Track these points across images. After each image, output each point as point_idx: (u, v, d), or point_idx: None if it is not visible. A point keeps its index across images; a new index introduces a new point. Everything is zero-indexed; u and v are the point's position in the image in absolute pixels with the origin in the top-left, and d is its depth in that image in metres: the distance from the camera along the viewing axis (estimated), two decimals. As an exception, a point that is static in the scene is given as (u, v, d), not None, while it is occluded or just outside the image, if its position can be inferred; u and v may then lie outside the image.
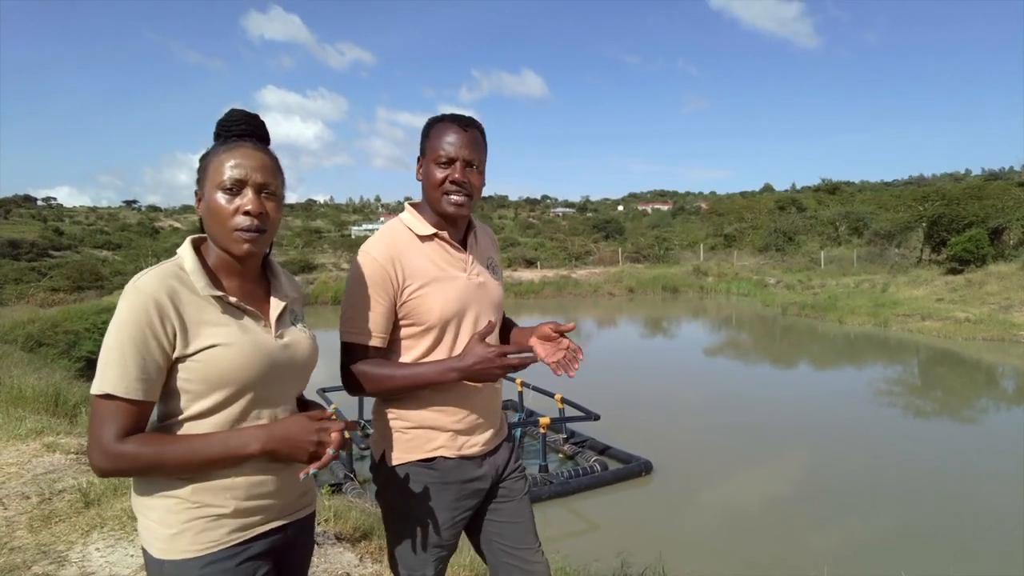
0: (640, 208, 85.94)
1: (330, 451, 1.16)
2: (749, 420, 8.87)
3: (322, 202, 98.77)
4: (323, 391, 7.85)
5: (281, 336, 1.25)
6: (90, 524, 2.85)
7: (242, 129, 1.24)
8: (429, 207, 1.60)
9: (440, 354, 1.56)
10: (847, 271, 24.80)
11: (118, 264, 32.94)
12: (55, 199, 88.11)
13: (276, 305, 1.28)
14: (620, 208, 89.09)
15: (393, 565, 1.62)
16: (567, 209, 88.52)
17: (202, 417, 1.17)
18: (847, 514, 5.95)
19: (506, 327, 1.81)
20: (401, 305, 1.53)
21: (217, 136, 1.25)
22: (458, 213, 1.57)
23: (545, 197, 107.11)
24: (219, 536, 1.16)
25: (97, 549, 2.64)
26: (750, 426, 8.57)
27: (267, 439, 1.16)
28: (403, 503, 1.57)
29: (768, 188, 71.58)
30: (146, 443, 1.10)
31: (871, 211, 30.62)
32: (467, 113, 1.62)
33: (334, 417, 1.21)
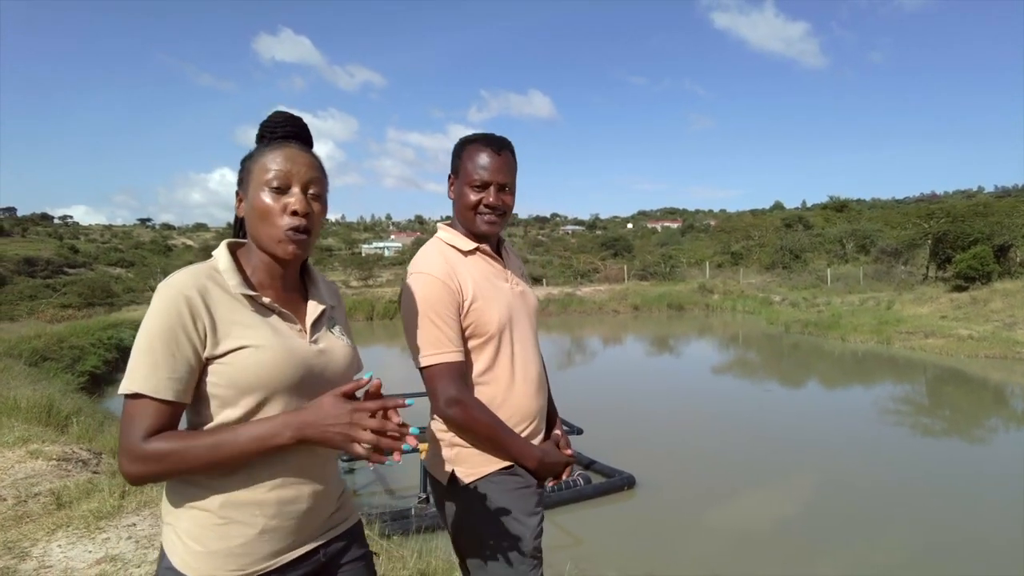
0: (650, 226, 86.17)
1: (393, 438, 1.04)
2: (746, 439, 8.83)
3: (333, 220, 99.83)
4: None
5: (316, 342, 1.20)
6: (57, 524, 3.00)
7: (287, 131, 1.22)
8: (463, 225, 1.65)
9: (504, 362, 1.60)
10: (853, 289, 24.73)
11: (130, 281, 33.47)
12: (71, 217, 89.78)
13: (313, 310, 1.23)
14: (629, 226, 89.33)
15: None
16: (577, 227, 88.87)
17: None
18: (846, 537, 5.81)
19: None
20: (464, 317, 1.56)
21: (260, 138, 1.23)
22: (491, 232, 1.63)
23: (555, 215, 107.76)
24: (246, 563, 1.11)
25: (59, 546, 2.78)
26: (747, 445, 8.55)
27: (300, 425, 1.06)
28: (492, 521, 1.53)
29: (778, 206, 71.61)
30: (172, 438, 1.05)
31: (878, 228, 30.60)
32: (498, 133, 1.68)
33: (367, 385, 1.08)
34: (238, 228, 1.28)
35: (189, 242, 63.21)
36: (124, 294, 27.71)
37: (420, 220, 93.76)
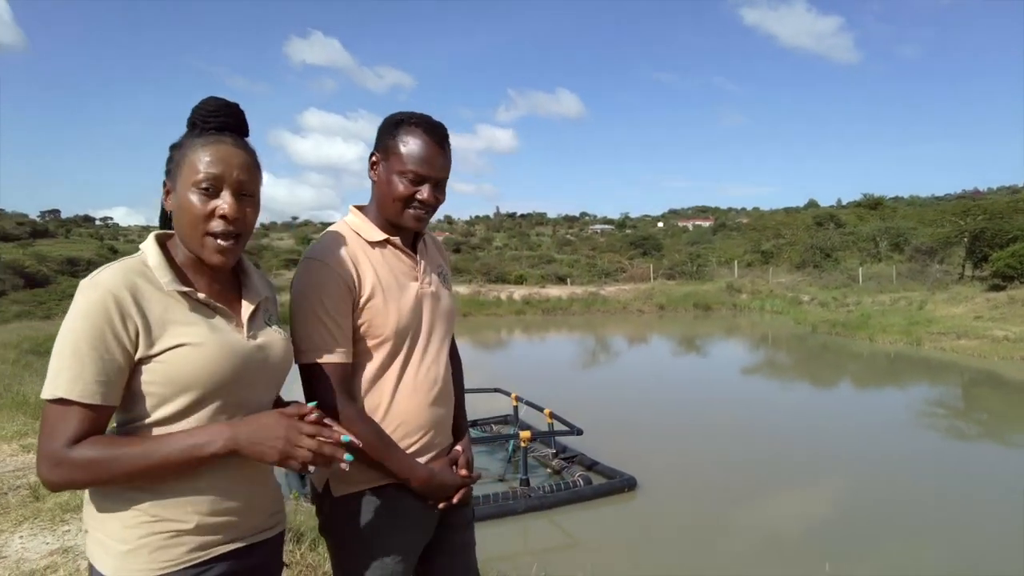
0: (681, 224, 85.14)
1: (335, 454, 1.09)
2: (765, 442, 8.59)
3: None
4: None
5: (254, 336, 1.16)
6: (25, 516, 3.09)
7: (220, 121, 1.13)
8: (381, 214, 1.48)
9: (396, 367, 1.45)
10: (885, 288, 24.08)
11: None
12: (112, 219, 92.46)
13: (248, 303, 1.19)
14: (660, 225, 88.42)
15: None
16: (606, 226, 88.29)
17: (168, 423, 1.07)
18: (867, 543, 5.57)
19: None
20: (359, 315, 1.41)
21: (192, 125, 1.14)
22: (418, 228, 1.49)
23: (584, 214, 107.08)
24: (177, 555, 1.06)
25: (20, 537, 2.86)
26: (765, 448, 8.31)
27: (232, 436, 1.04)
28: (356, 541, 1.44)
29: (812, 203, 69.94)
30: (98, 445, 1.00)
31: (912, 226, 29.74)
32: (434, 120, 1.48)
33: (313, 413, 1.09)
34: (165, 219, 1.21)
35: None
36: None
37: (449, 220, 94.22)
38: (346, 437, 1.10)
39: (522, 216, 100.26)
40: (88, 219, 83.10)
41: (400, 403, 1.46)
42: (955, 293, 20.80)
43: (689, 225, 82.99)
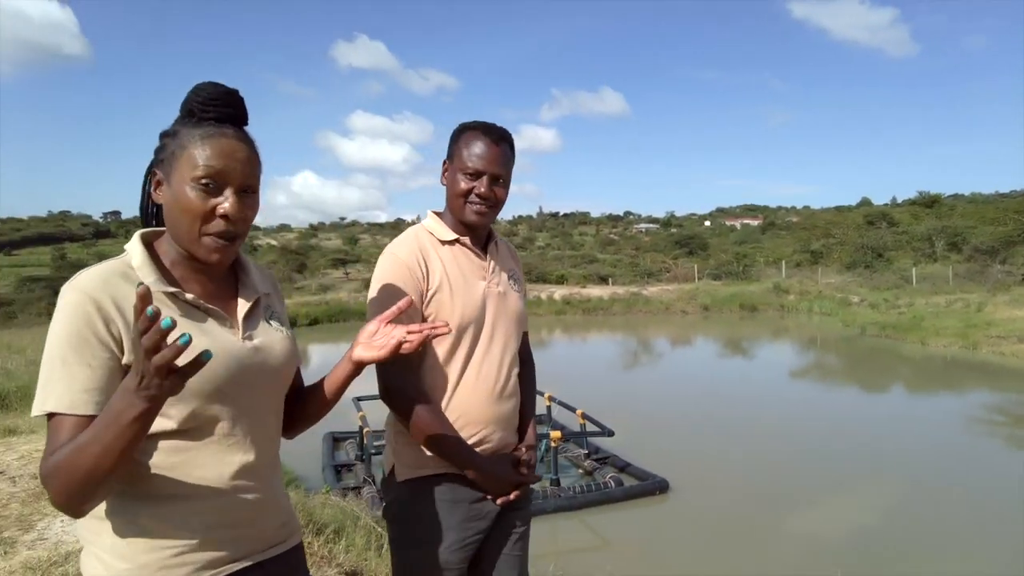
0: (728, 223, 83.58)
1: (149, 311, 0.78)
2: (807, 446, 8.36)
3: (410, 221, 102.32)
4: (357, 399, 8.23)
5: (250, 337, 1.08)
6: None
7: (221, 111, 1.04)
8: (451, 214, 1.59)
9: (459, 360, 1.52)
10: (940, 290, 23.17)
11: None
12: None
13: (245, 302, 1.10)
14: (707, 223, 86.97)
15: None
16: (651, 225, 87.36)
17: (173, 437, 0.99)
18: (918, 554, 5.32)
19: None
20: (425, 306, 1.50)
21: (190, 113, 1.04)
22: (479, 223, 1.56)
23: (628, 213, 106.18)
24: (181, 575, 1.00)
25: (61, 523, 3.04)
26: (805, 452, 8.08)
27: (128, 393, 0.83)
28: (417, 524, 1.50)
29: (865, 202, 67.64)
30: (59, 450, 0.90)
31: (971, 225, 28.53)
32: (497, 124, 1.60)
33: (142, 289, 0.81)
34: (151, 213, 1.14)
35: (273, 242, 66.22)
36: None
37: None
38: (166, 321, 0.80)
39: (565, 216, 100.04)
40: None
41: (461, 396, 1.52)
42: (1018, 295, 19.89)
43: (737, 224, 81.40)
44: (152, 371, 0.81)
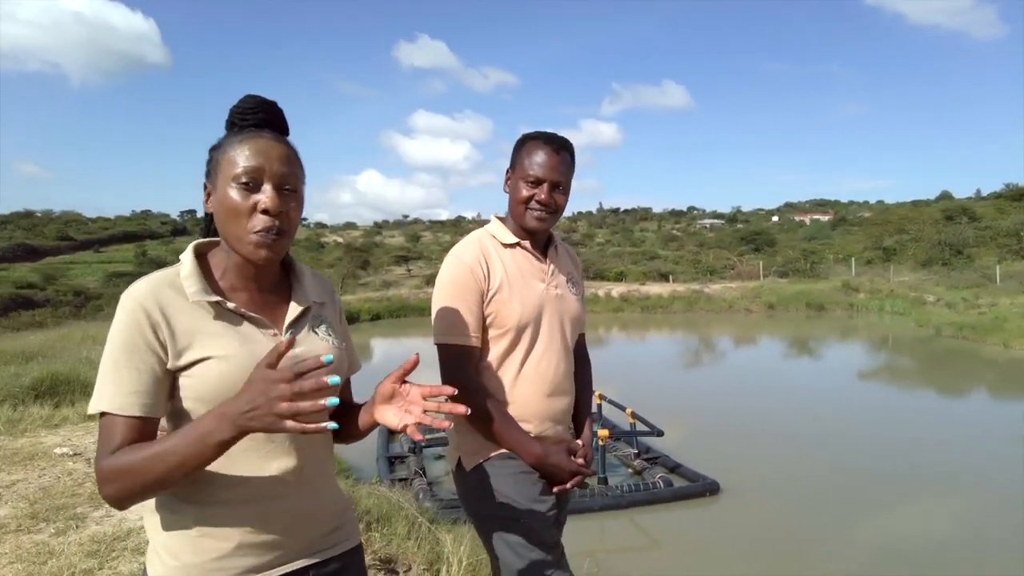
0: (797, 219, 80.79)
1: (323, 402, 0.89)
2: (875, 451, 8.01)
3: (470, 218, 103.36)
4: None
5: (292, 347, 1.06)
6: None
7: (259, 118, 1.11)
8: (512, 220, 1.68)
9: (517, 357, 1.61)
10: (1028, 289, 21.76)
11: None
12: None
13: (293, 311, 1.13)
14: (775, 219, 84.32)
15: (501, 570, 1.57)
16: (715, 220, 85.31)
17: None
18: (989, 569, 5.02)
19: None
20: (486, 306, 1.59)
21: (231, 125, 1.11)
22: (539, 228, 1.65)
23: (692, 208, 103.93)
24: None
25: None
26: (875, 458, 7.74)
27: (232, 417, 0.91)
28: (498, 506, 1.55)
29: (945, 196, 63.86)
30: (125, 453, 0.96)
31: (1063, 220, 26.65)
32: (559, 133, 1.68)
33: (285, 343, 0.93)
34: (209, 224, 1.18)
35: (339, 239, 68.06)
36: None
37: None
38: (333, 379, 0.90)
39: (626, 211, 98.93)
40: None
41: (518, 391, 1.61)
42: (1114, 295, 18.48)
43: (806, 220, 78.57)
44: (282, 408, 0.88)
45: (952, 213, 33.06)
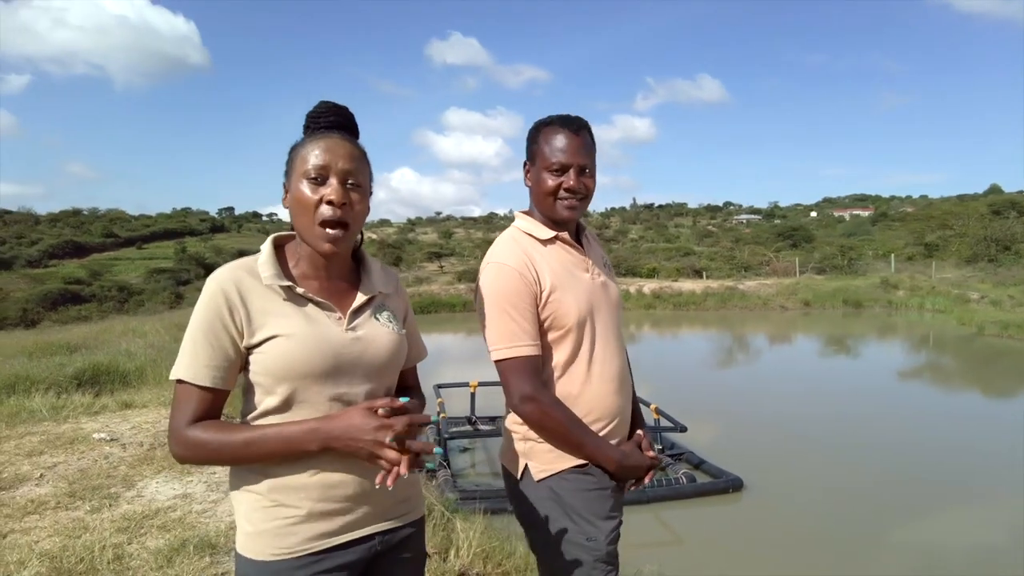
0: (836, 214, 78.97)
1: (392, 454, 1.07)
2: (912, 453, 7.84)
3: (502, 215, 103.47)
4: (438, 387, 8.56)
5: (354, 329, 1.20)
6: (163, 467, 3.73)
7: (330, 120, 1.21)
8: (541, 213, 1.59)
9: (584, 356, 1.54)
10: (1078, 286, 20.96)
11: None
12: (276, 215, 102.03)
13: (359, 299, 1.23)
14: (813, 214, 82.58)
15: None
16: (752, 216, 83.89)
17: (275, 413, 1.14)
18: None
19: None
20: (542, 309, 1.50)
21: (307, 128, 1.23)
22: (572, 218, 1.56)
23: (728, 204, 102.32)
24: (293, 543, 1.13)
25: (156, 483, 3.47)
26: (911, 459, 7.58)
27: (327, 436, 1.09)
28: (563, 519, 1.49)
29: (994, 189, 61.48)
30: (209, 430, 1.09)
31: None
32: (572, 114, 1.58)
33: (399, 404, 1.11)
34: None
35: (373, 236, 68.78)
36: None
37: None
38: (438, 449, 1.14)
39: (660, 207, 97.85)
40: (256, 215, 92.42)
41: (590, 391, 1.54)
42: None
43: (846, 215, 76.75)
44: (390, 457, 1.07)
45: (1000, 207, 31.88)
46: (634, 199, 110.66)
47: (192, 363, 1.10)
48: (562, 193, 1.52)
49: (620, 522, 1.55)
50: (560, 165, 1.51)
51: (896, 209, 69.44)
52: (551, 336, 1.52)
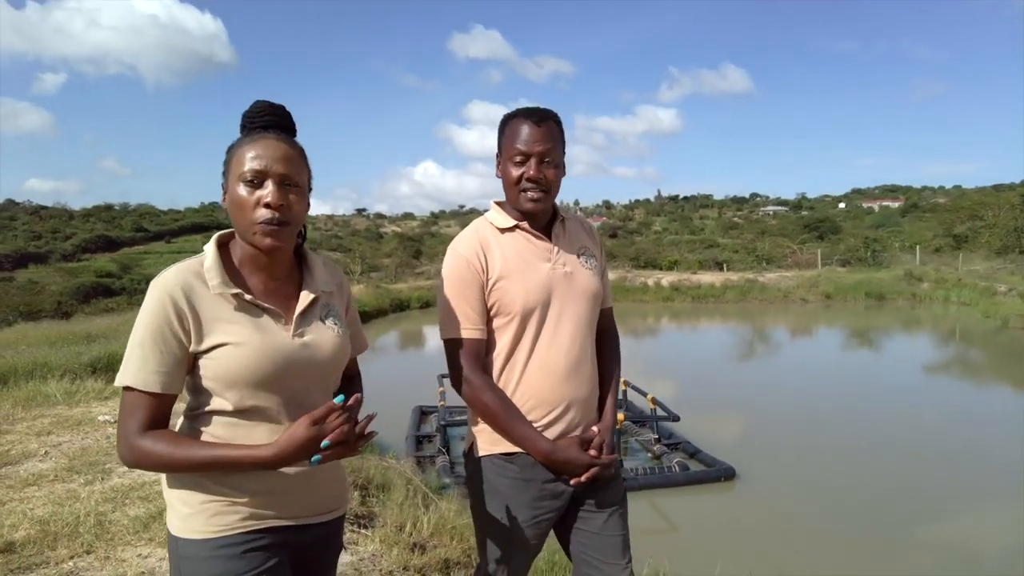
0: (865, 205, 77.46)
1: (325, 443, 1.08)
2: (921, 447, 7.79)
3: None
4: (442, 376, 8.74)
5: (301, 335, 1.21)
6: None
7: (266, 120, 1.21)
8: (509, 203, 1.63)
9: (526, 344, 1.56)
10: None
11: (344, 264, 37.93)
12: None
13: (303, 300, 1.24)
14: (841, 206, 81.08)
15: (481, 552, 1.65)
16: (779, 207, 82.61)
17: (225, 415, 1.16)
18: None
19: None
20: (488, 295, 1.55)
21: (243, 128, 1.22)
22: (535, 209, 1.58)
23: (754, 195, 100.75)
24: (231, 521, 1.16)
25: None
26: (919, 454, 7.52)
27: (277, 457, 1.10)
28: (489, 499, 1.58)
29: (1031, 179, 59.92)
30: (160, 442, 1.10)
31: None
32: (542, 106, 1.61)
33: (337, 408, 1.11)
34: None
35: (397, 228, 69.48)
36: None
37: (608, 205, 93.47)
38: (339, 399, 1.13)
39: (685, 199, 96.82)
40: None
41: (530, 379, 1.56)
42: None
43: (875, 206, 75.26)
44: (328, 457, 1.11)
45: (1031, 198, 31.02)
46: (659, 191, 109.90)
47: (141, 369, 1.10)
48: (524, 184, 1.55)
49: (550, 512, 1.58)
50: (521, 154, 1.55)
51: (927, 200, 67.91)
52: (496, 323, 1.56)
